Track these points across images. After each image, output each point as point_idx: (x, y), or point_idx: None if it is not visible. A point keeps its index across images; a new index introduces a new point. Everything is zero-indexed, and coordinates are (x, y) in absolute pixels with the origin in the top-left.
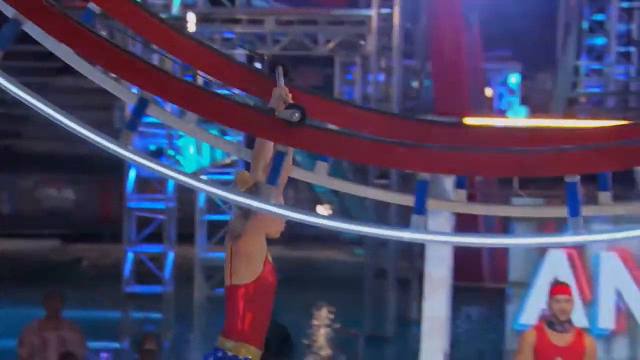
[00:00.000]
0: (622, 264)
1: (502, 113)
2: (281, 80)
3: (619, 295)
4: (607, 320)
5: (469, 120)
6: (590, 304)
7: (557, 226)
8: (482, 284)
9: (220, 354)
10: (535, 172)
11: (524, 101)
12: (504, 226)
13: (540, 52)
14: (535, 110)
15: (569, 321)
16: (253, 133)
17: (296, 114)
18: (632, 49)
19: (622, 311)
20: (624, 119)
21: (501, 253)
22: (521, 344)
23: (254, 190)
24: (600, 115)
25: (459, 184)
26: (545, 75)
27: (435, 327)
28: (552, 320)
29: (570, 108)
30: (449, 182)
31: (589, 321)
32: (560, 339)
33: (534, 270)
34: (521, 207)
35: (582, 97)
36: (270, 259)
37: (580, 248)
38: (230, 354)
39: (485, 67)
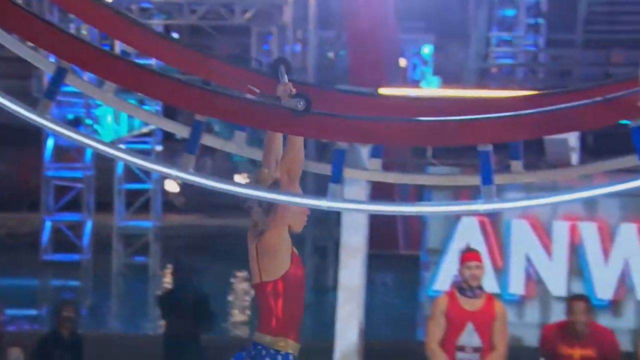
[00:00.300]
0: (532, 231)
1: (415, 83)
2: (285, 78)
3: (529, 261)
4: (517, 286)
5: (383, 90)
6: (501, 271)
7: (473, 194)
8: (397, 252)
9: (260, 348)
10: (449, 141)
11: (437, 72)
12: (418, 194)
13: (453, 24)
14: (448, 80)
15: (480, 287)
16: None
17: (301, 103)
18: (542, 20)
19: (532, 277)
20: (534, 89)
21: (415, 221)
22: (433, 310)
23: (274, 188)
24: (511, 86)
25: (375, 153)
26: (458, 47)
27: (351, 294)
28: (463, 287)
29: (482, 78)
30: (364, 151)
31: (500, 287)
32: (471, 305)
33: (447, 238)
34: (435, 175)
35: (493, 67)
36: (296, 251)
37: (492, 215)
38: (271, 349)
39: (399, 38)
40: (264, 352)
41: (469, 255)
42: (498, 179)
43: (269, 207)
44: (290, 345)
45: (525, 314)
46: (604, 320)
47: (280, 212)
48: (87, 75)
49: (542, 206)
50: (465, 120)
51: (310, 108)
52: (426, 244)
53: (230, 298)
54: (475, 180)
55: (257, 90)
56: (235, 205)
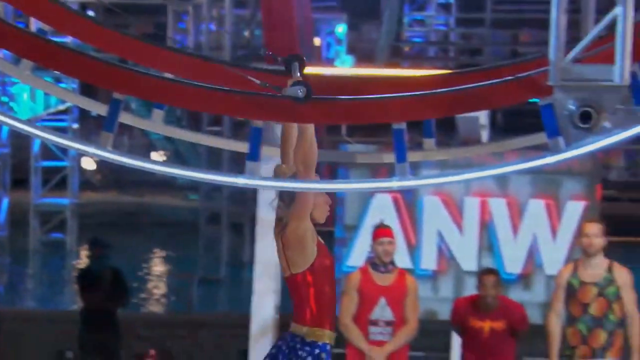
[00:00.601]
0: (445, 207)
1: (330, 62)
2: (297, 74)
3: (441, 237)
4: (429, 261)
5: None
6: (414, 246)
7: (390, 171)
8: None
9: (297, 339)
10: (364, 119)
11: (351, 50)
12: (332, 171)
13: (366, 3)
14: (361, 59)
15: (392, 262)
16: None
17: (301, 90)
18: (452, 0)
19: (444, 253)
20: (445, 67)
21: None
22: (346, 286)
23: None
24: (422, 64)
25: None
26: (371, 26)
27: (267, 269)
28: (376, 262)
29: (394, 57)
30: (280, 129)
31: (413, 262)
32: (383, 280)
33: (361, 214)
34: (350, 153)
35: (405, 46)
36: (321, 241)
37: (405, 192)
38: (307, 339)
39: (312, 17)
40: (299, 345)
41: (381, 231)
42: (412, 156)
43: (290, 200)
44: (326, 335)
45: (437, 288)
46: (514, 294)
47: (301, 203)
48: (2, 53)
49: (455, 183)
50: (379, 99)
51: (311, 94)
52: (341, 221)
53: (146, 274)
54: (389, 157)
55: (257, 82)
56: (151, 182)
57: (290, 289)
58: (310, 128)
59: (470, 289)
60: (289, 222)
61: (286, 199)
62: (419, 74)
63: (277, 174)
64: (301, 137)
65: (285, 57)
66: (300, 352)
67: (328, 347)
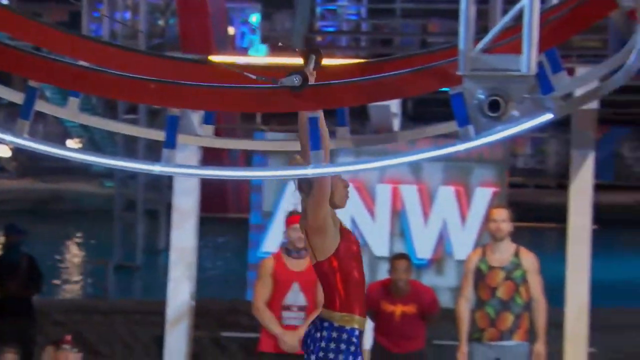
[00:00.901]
0: (357, 194)
1: (244, 51)
2: (311, 66)
3: (354, 223)
4: (380, 247)
5: (213, 58)
6: None
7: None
8: (227, 214)
9: (326, 324)
10: (278, 107)
11: (264, 40)
12: (247, 159)
13: None
14: (275, 48)
15: (305, 248)
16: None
17: (297, 79)
18: None
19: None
20: (357, 56)
21: (245, 185)
22: (260, 271)
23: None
24: (335, 54)
25: (207, 120)
26: (284, 15)
27: (183, 256)
28: (289, 248)
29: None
30: (196, 117)
31: None
32: (296, 265)
33: (276, 201)
34: (265, 141)
35: (318, 36)
36: (345, 226)
37: None
38: (336, 324)
39: (226, 6)
40: (329, 330)
41: (294, 217)
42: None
43: (309, 189)
44: (355, 320)
45: None
46: (426, 278)
47: (319, 189)
48: None
49: (368, 170)
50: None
51: (307, 82)
52: (257, 207)
53: (62, 261)
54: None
55: (253, 77)
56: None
57: (319, 277)
58: (321, 116)
59: (383, 274)
60: (309, 211)
61: (305, 187)
62: (332, 63)
63: (292, 164)
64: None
65: (303, 49)
66: (329, 337)
67: (357, 332)
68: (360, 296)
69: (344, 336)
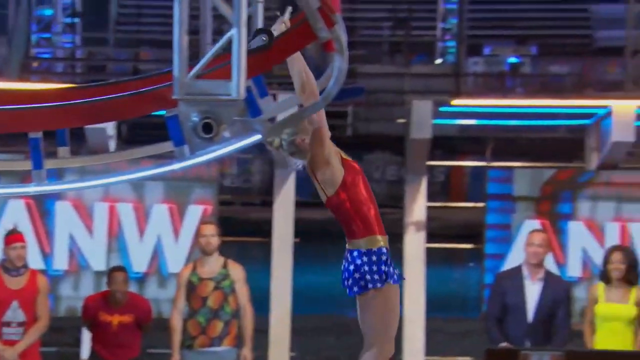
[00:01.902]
0: (75, 212)
1: None
2: (286, 16)
3: (73, 240)
4: (61, 262)
5: None
6: (49, 249)
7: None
8: None
9: (356, 254)
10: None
11: None
12: None
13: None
14: None
15: (24, 265)
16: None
17: (264, 37)
18: (77, 20)
19: (75, 254)
20: (73, 82)
21: None
22: None
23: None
24: (51, 79)
25: None
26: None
27: None
28: (8, 266)
29: (24, 72)
30: None
31: (46, 264)
32: (15, 283)
33: None
34: None
35: (34, 62)
36: (346, 156)
37: (38, 198)
38: (364, 249)
39: None
40: (358, 257)
41: (12, 237)
42: (48, 163)
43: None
44: (378, 240)
45: (77, 287)
46: (149, 291)
47: (317, 126)
48: None
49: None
50: (16, 109)
51: (272, 38)
52: None
53: None
54: (27, 165)
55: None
56: None
57: (333, 212)
58: (295, 59)
59: (101, 286)
60: (316, 148)
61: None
62: (49, 87)
63: (300, 131)
64: (291, 70)
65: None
66: (360, 263)
67: (384, 250)
68: (375, 217)
69: (374, 258)
